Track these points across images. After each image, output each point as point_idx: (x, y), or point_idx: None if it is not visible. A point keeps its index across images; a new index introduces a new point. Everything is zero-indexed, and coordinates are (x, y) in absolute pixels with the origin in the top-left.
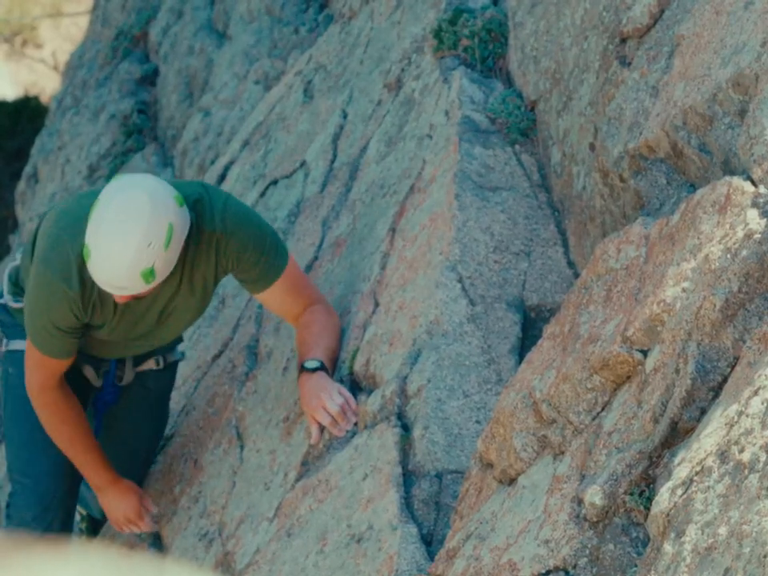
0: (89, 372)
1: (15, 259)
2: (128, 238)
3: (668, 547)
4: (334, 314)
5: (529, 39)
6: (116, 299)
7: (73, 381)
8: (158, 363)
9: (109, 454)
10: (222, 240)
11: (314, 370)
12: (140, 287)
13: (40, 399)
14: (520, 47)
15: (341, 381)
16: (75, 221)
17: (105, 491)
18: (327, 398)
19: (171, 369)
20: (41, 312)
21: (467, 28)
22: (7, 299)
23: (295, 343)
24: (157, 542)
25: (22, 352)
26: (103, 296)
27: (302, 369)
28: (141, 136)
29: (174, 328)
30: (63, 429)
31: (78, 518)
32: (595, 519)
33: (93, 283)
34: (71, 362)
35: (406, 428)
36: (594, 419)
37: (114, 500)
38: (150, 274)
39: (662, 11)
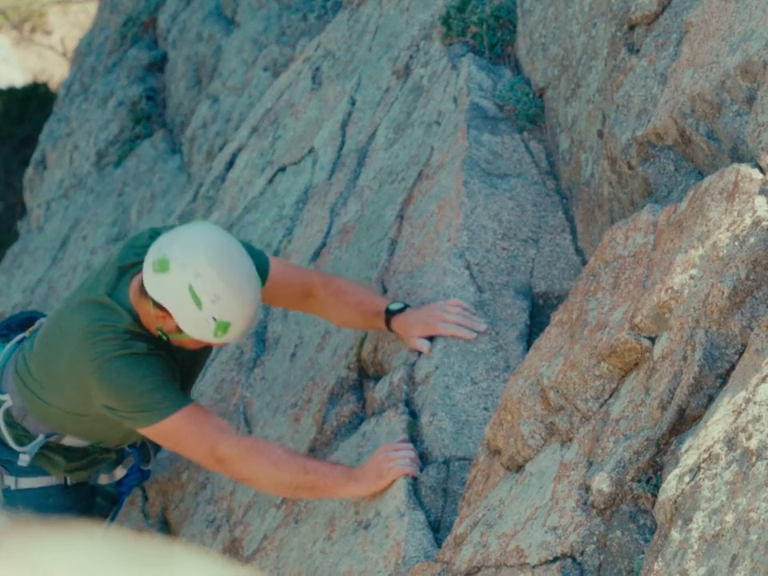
0: (119, 471)
1: (3, 402)
2: (247, 269)
3: (675, 534)
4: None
5: (537, 26)
6: (193, 346)
7: (89, 491)
8: None
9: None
10: None
11: (401, 309)
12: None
13: (232, 459)
14: (528, 34)
15: (348, 368)
16: (93, 311)
17: (358, 484)
18: (441, 311)
19: None
20: (145, 381)
21: (476, 15)
22: (11, 444)
23: (341, 308)
24: (164, 528)
25: (33, 490)
26: (168, 349)
27: (389, 312)
28: (149, 122)
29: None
30: (276, 460)
31: None
32: (602, 506)
33: (148, 341)
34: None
35: (413, 415)
36: (601, 406)
37: (370, 483)
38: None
39: None
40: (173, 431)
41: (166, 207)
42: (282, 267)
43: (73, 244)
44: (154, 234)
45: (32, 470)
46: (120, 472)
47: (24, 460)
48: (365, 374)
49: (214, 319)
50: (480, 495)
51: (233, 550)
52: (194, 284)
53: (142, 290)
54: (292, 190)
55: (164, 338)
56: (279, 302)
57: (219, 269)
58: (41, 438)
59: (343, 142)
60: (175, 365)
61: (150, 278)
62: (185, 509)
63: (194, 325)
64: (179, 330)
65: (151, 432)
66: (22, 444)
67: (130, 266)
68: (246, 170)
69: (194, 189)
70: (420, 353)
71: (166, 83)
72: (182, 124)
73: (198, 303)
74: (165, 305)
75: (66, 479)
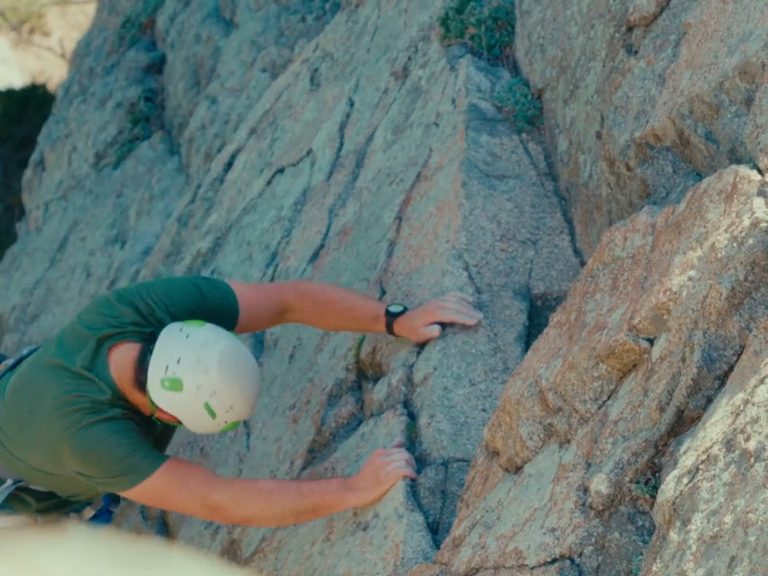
0: (87, 512)
1: None
2: (255, 370)
3: (674, 535)
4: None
5: (536, 27)
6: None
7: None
8: None
9: None
10: None
11: (402, 312)
12: None
13: (225, 504)
14: (527, 35)
15: (346, 369)
16: (68, 379)
17: (357, 493)
18: (440, 301)
19: None
20: (120, 446)
21: (474, 16)
22: None
23: (327, 317)
24: (163, 530)
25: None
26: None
27: (391, 315)
28: (147, 124)
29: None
30: (269, 493)
31: None
32: (601, 507)
33: (124, 408)
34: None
35: (412, 416)
36: (600, 408)
37: (369, 490)
38: None
39: None
40: (157, 490)
41: (164, 209)
42: (250, 295)
43: (71, 245)
44: (120, 299)
45: (1, 509)
46: (89, 513)
47: None
48: (363, 376)
49: (226, 422)
50: (478, 497)
51: (231, 552)
52: (210, 401)
53: (136, 386)
54: (290, 192)
55: (157, 423)
56: (255, 328)
57: (232, 384)
58: (9, 483)
59: (342, 144)
60: (149, 429)
61: (158, 392)
62: None
63: (203, 427)
64: (180, 423)
65: (134, 495)
66: None
67: (106, 338)
68: (244, 171)
69: (192, 190)
70: (419, 353)
71: (165, 84)
72: (180, 125)
73: (213, 415)
74: (174, 414)
75: (35, 519)
